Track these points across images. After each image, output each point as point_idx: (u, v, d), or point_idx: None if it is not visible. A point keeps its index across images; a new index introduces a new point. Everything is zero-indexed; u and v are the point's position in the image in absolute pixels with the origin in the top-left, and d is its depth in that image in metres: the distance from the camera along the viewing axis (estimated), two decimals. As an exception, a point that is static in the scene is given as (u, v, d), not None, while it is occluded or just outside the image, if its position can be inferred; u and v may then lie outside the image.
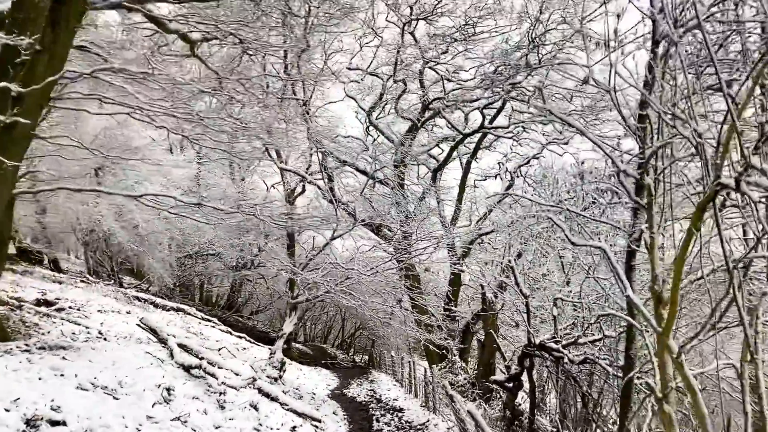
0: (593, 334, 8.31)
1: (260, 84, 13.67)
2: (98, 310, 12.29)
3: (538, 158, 20.68)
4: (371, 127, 21.15)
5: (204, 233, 25.60)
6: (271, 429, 7.69)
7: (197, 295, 32.16)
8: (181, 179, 25.26)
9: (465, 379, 15.36)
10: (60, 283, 15.58)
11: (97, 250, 23.64)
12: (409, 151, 19.93)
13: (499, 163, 23.31)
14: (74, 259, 31.75)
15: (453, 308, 18.12)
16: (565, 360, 7.95)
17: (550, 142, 20.03)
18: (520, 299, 9.57)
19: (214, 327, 20.35)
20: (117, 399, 5.73)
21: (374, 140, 21.41)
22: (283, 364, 11.64)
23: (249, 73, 12.28)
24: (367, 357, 34.09)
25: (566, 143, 19.77)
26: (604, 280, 8.65)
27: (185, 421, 5.91)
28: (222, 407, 7.30)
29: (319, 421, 9.08)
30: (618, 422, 5.99)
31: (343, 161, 21.00)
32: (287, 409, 8.95)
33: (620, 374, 7.25)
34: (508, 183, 21.09)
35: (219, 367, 8.96)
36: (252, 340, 21.41)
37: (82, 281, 18.93)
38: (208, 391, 7.54)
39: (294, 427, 8.35)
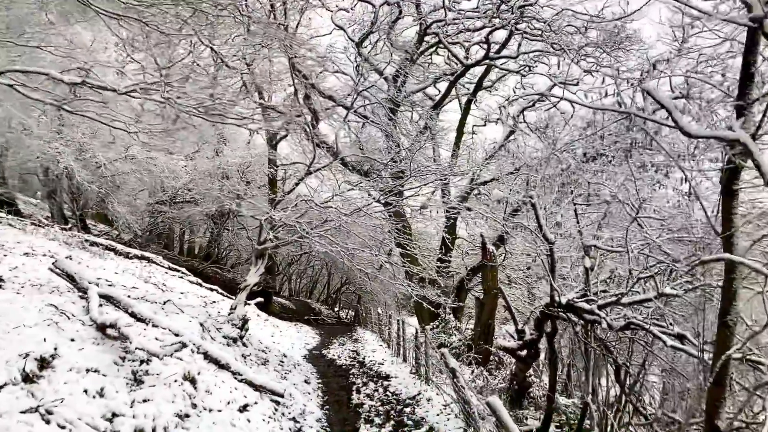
0: (638, 292, 6.35)
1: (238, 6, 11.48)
2: (24, 254, 10.19)
3: (544, 100, 18.67)
4: (362, 64, 18.73)
5: (178, 177, 23.65)
6: (210, 410, 5.73)
7: (177, 246, 30.27)
8: (156, 118, 22.93)
9: (460, 340, 13.54)
10: (-7, 223, 13.42)
11: (58, 191, 21.46)
12: (403, 86, 17.72)
13: (500, 106, 21.18)
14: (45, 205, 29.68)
15: (449, 259, 16.27)
16: (603, 325, 6.00)
17: (558, 83, 17.96)
18: (542, 247, 7.56)
19: (182, 278, 18.44)
20: (-64, 379, 3.72)
21: (364, 78, 19.04)
22: (245, 321, 9.68)
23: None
24: (353, 313, 32.56)
25: (576, 84, 17.72)
26: (657, 220, 6.67)
27: (50, 411, 3.90)
28: (139, 382, 5.31)
29: (281, 395, 7.16)
30: (705, 419, 4.08)
31: (330, 97, 18.84)
32: (240, 380, 7.02)
33: (683, 347, 5.31)
34: (510, 129, 19.19)
35: (154, 326, 6.97)
36: (225, 293, 19.55)
37: (33, 224, 16.80)
38: (124, 359, 5.53)
39: (245, 406, 6.42)
